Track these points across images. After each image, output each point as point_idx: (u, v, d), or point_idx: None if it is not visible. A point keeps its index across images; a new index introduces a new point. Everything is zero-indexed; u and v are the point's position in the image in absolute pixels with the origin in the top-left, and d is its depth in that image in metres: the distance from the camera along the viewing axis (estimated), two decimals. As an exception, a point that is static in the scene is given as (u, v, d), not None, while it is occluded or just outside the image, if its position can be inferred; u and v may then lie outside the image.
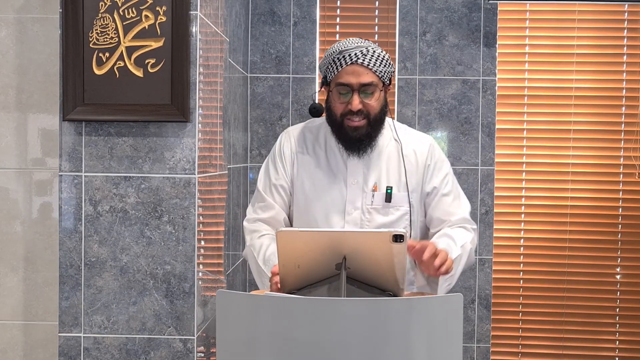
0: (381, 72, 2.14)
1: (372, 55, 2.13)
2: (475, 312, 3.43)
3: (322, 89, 2.22)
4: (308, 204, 2.24)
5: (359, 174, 2.22)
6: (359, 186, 2.21)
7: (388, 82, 2.21)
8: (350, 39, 2.18)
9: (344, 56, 2.13)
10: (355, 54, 2.12)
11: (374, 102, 2.15)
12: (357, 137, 2.17)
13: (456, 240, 2.16)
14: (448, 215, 2.25)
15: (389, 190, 2.20)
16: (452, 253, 2.07)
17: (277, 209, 2.26)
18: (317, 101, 2.29)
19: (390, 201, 2.20)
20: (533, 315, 3.50)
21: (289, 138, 2.32)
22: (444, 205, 2.25)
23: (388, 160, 2.24)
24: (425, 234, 2.31)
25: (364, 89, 2.13)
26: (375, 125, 2.18)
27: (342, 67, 2.12)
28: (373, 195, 2.21)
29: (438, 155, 2.29)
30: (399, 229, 1.74)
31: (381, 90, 2.16)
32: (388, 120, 2.31)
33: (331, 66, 2.15)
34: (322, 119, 2.29)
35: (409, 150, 2.25)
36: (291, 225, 2.30)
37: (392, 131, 2.28)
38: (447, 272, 1.97)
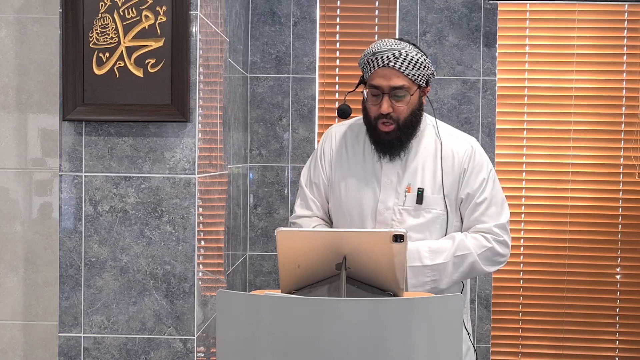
0: (414, 75, 2.12)
1: (405, 59, 2.11)
2: (475, 312, 3.43)
3: (360, 86, 2.23)
4: (343, 202, 2.26)
5: (393, 174, 2.21)
6: (392, 186, 2.20)
7: (425, 84, 2.18)
8: (387, 40, 2.17)
9: (376, 58, 2.12)
10: (388, 56, 2.11)
11: (403, 106, 2.13)
12: (387, 140, 2.16)
13: (455, 248, 2.13)
14: (476, 223, 2.20)
15: (419, 192, 2.17)
16: (427, 260, 2.09)
17: (316, 205, 2.33)
18: (346, 103, 2.27)
19: (421, 203, 2.17)
20: (533, 315, 3.50)
21: (331, 136, 2.34)
22: (476, 213, 2.20)
23: (425, 161, 2.21)
24: None
25: (394, 92, 2.11)
26: (405, 129, 2.16)
27: (374, 69, 2.12)
28: (405, 196, 2.18)
29: (478, 160, 2.22)
30: (399, 229, 1.74)
31: (413, 94, 2.14)
32: (431, 119, 2.29)
33: (366, 66, 2.16)
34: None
35: (448, 151, 2.21)
36: (331, 222, 2.35)
37: (435, 129, 2.25)
38: None
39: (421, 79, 2.14)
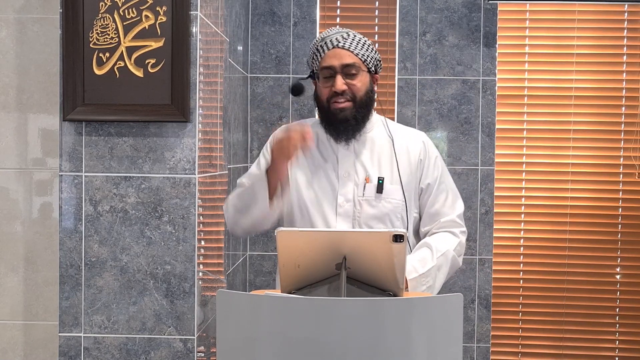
0: (363, 55, 2.17)
1: (353, 39, 2.17)
2: (475, 312, 3.44)
3: (312, 82, 2.27)
4: (301, 197, 2.24)
5: (350, 165, 2.22)
6: (350, 178, 2.21)
7: (374, 70, 2.22)
8: (332, 28, 2.24)
9: (325, 42, 2.18)
10: (336, 38, 2.17)
11: (358, 83, 2.17)
12: (343, 118, 2.17)
13: (434, 251, 2.17)
14: (438, 216, 2.26)
15: (380, 181, 2.20)
16: (420, 269, 2.11)
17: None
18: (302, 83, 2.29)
19: (381, 192, 2.19)
20: (533, 315, 3.51)
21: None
22: (436, 204, 2.26)
23: (380, 154, 2.24)
24: (417, 230, 2.31)
25: (346, 69, 2.16)
26: (361, 108, 2.18)
27: (324, 52, 2.18)
28: (365, 187, 2.20)
29: (432, 152, 2.29)
30: (399, 229, 1.74)
31: (365, 75, 2.18)
32: (381, 117, 2.32)
33: (315, 55, 2.20)
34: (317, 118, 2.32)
35: (401, 145, 2.25)
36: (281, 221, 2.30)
37: (385, 127, 2.28)
38: None
39: (370, 61, 2.19)
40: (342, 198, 2.21)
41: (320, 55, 2.18)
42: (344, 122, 2.18)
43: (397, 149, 2.23)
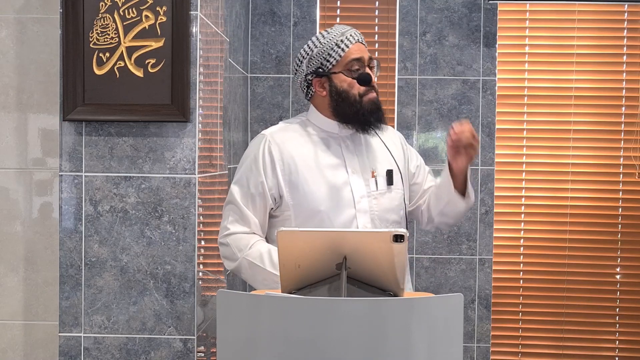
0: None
1: (362, 36, 2.25)
2: (475, 312, 3.44)
3: (313, 81, 2.21)
4: (315, 202, 2.16)
5: (355, 163, 2.24)
6: (359, 175, 2.23)
7: None
8: (335, 25, 2.27)
9: (347, 37, 2.20)
10: (356, 33, 2.23)
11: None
12: (376, 108, 2.21)
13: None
14: (430, 188, 2.38)
15: (389, 173, 2.25)
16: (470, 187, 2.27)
17: (254, 222, 2.16)
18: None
19: (392, 183, 2.25)
20: (533, 315, 3.51)
21: (274, 141, 2.19)
22: (428, 180, 2.40)
23: (375, 148, 2.28)
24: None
25: (370, 62, 2.22)
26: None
27: (347, 47, 2.18)
28: (376, 182, 2.23)
29: (405, 140, 2.43)
30: (400, 229, 1.74)
31: None
32: None
33: (334, 51, 2.18)
34: (297, 118, 2.29)
35: (386, 137, 2.30)
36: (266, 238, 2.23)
37: None
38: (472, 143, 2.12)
39: None
40: (358, 195, 2.21)
41: (343, 49, 2.17)
42: (379, 111, 2.22)
43: (385, 141, 2.28)
